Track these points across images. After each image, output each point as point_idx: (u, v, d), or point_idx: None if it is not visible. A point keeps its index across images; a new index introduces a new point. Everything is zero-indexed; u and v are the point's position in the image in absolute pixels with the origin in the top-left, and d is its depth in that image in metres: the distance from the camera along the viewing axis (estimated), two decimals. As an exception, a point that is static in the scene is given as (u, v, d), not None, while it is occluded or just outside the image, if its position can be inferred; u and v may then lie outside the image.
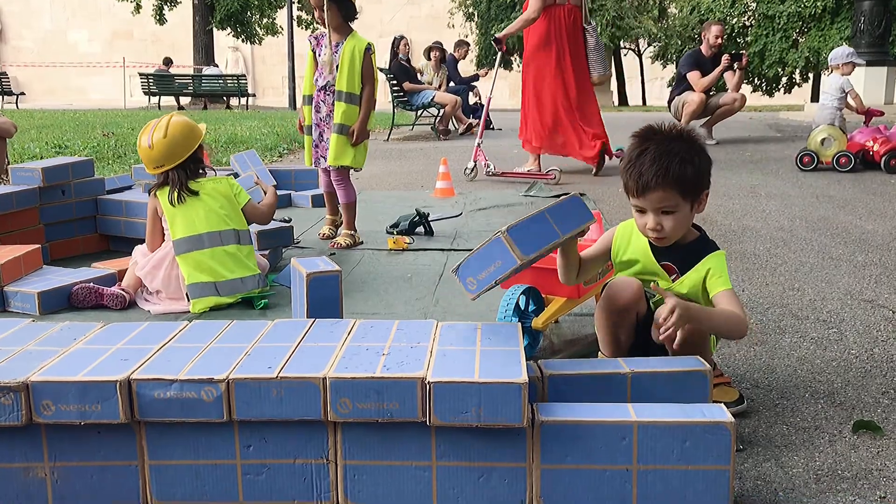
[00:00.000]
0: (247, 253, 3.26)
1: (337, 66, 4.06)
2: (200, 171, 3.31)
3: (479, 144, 7.06)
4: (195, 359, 1.72)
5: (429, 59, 12.12)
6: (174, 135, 3.19)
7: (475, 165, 6.90)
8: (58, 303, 3.13)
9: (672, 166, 1.99)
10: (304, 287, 2.05)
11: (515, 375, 1.60)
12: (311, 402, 1.62)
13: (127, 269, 3.31)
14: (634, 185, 2.02)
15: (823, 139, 7.35)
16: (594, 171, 6.95)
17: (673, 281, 2.11)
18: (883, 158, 7.06)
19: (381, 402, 1.60)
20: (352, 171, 4.23)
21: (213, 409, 1.62)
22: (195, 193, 3.20)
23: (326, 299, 2.07)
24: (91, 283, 3.17)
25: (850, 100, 7.57)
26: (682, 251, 2.11)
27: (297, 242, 4.23)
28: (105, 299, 3.13)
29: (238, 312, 3.09)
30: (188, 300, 3.11)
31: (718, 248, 2.13)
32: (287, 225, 3.99)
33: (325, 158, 4.17)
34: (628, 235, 2.20)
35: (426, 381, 1.59)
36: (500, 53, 7.14)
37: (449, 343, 1.82)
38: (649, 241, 2.14)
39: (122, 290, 3.18)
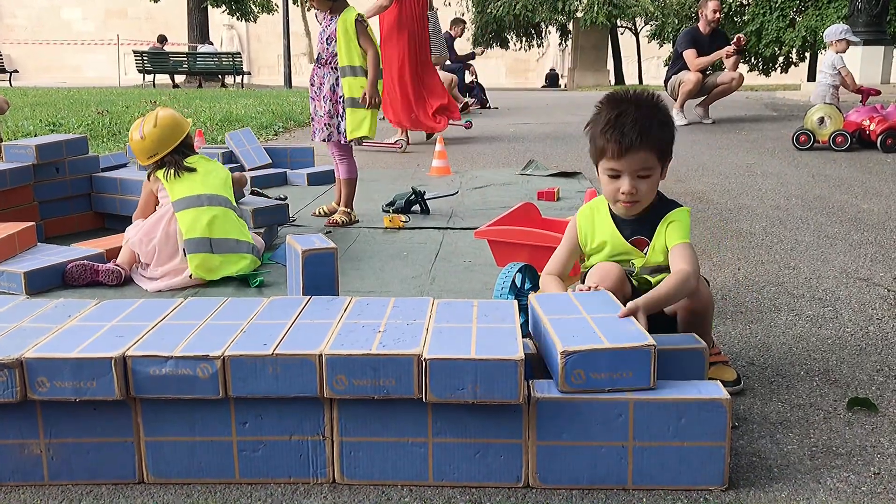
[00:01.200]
0: (241, 223, 3.35)
1: (333, 42, 4.05)
2: (188, 153, 3.43)
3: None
4: (190, 336, 1.72)
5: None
6: (164, 125, 3.35)
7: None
8: (45, 282, 3.07)
9: (654, 127, 2.01)
10: (300, 264, 2.04)
11: (511, 352, 1.60)
12: (307, 379, 1.62)
13: (118, 248, 3.31)
14: (616, 146, 2.00)
15: (820, 118, 7.33)
16: (428, 136, 7.92)
17: (646, 254, 2.12)
18: (879, 137, 7.05)
19: (377, 379, 1.60)
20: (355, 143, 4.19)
21: (209, 386, 1.62)
22: (192, 170, 3.32)
23: (322, 277, 2.07)
24: (85, 261, 3.15)
25: (844, 75, 7.56)
26: (647, 220, 2.12)
27: (293, 220, 4.22)
28: (100, 276, 3.12)
29: (234, 290, 3.09)
30: (185, 255, 3.14)
31: (681, 205, 2.14)
32: (283, 202, 3.97)
33: (322, 130, 4.17)
34: (591, 220, 2.21)
35: (422, 358, 1.59)
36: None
37: (445, 320, 1.82)
38: (614, 221, 2.15)
39: (118, 265, 3.18)
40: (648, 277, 2.14)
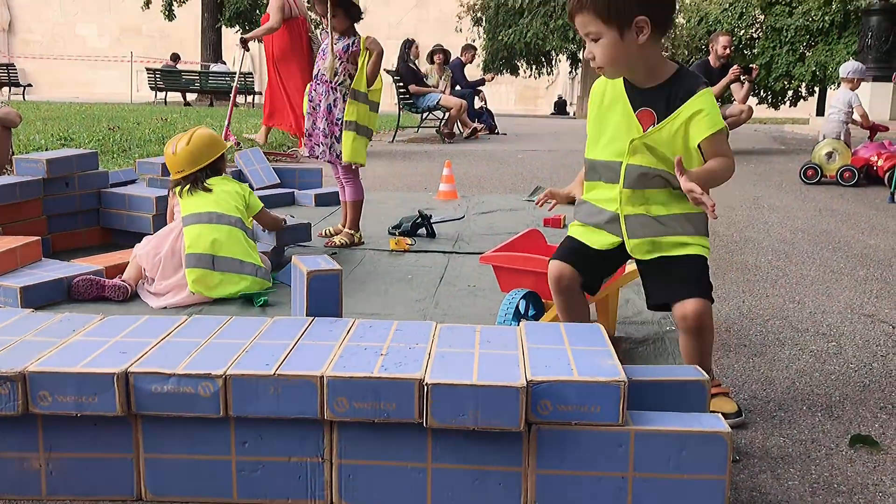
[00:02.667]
0: (251, 244, 3.37)
1: (336, 72, 4.08)
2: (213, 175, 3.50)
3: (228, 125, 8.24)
4: (193, 354, 1.72)
5: (432, 62, 12.13)
6: (196, 144, 3.43)
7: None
8: (42, 298, 3.04)
9: None
10: (305, 285, 2.05)
11: (513, 378, 1.60)
12: (308, 401, 1.62)
13: (121, 265, 3.35)
14: (568, 10, 2.02)
15: (828, 153, 7.35)
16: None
17: (648, 132, 2.01)
18: (887, 174, 7.06)
19: (378, 402, 1.60)
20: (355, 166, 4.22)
21: (210, 405, 1.62)
22: (209, 190, 3.38)
23: (326, 298, 2.07)
24: (91, 276, 3.16)
25: (856, 115, 7.57)
26: (659, 91, 2.01)
27: (306, 240, 4.23)
28: (107, 291, 3.14)
29: (237, 309, 3.09)
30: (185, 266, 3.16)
31: (701, 82, 2.01)
32: (303, 222, 3.98)
33: (318, 146, 4.18)
34: (602, 87, 2.13)
35: (424, 383, 1.59)
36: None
37: (448, 345, 1.82)
38: (626, 87, 2.05)
39: (124, 281, 3.19)
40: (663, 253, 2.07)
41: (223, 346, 1.77)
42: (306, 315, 2.05)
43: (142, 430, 1.67)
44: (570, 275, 2.12)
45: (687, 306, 2.01)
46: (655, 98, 2.01)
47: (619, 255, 2.15)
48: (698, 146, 1.99)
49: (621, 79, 2.06)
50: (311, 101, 4.20)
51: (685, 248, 2.08)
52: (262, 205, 3.61)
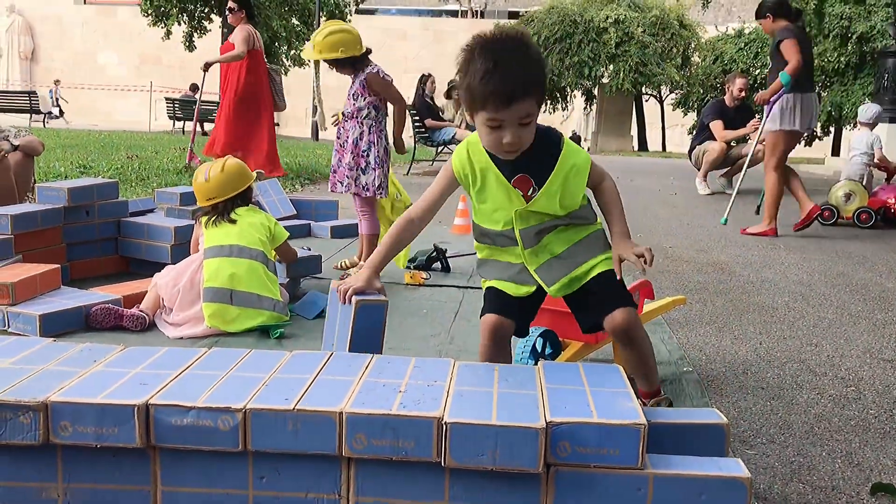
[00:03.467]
0: (271, 277, 3.35)
1: (358, 97, 4.20)
2: (242, 205, 3.50)
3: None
4: (213, 387, 1.73)
5: (449, 97, 12.24)
6: (230, 172, 3.46)
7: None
8: (60, 326, 3.07)
9: (533, 72, 1.91)
10: (352, 314, 2.04)
11: (533, 420, 1.59)
12: (327, 437, 1.61)
13: (139, 294, 3.37)
14: (499, 97, 1.86)
15: (845, 194, 7.34)
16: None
17: (530, 196, 2.04)
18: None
19: (396, 440, 1.60)
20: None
21: (229, 439, 1.62)
22: (233, 221, 3.38)
23: (371, 329, 2.06)
24: (110, 305, 3.18)
25: (877, 157, 7.58)
26: (528, 157, 2.01)
27: (317, 273, 4.25)
28: (125, 320, 3.15)
29: (254, 341, 3.10)
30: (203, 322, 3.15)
31: (556, 131, 2.07)
32: (314, 254, 4.01)
33: (340, 184, 4.24)
34: (467, 159, 2.09)
35: (443, 422, 1.59)
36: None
37: (466, 383, 1.81)
38: (493, 161, 2.04)
39: (142, 311, 3.21)
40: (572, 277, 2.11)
41: (243, 380, 1.78)
42: (349, 346, 2.05)
43: (160, 463, 1.67)
44: (506, 325, 2.13)
45: (616, 318, 2.06)
46: (524, 164, 2.03)
47: (539, 295, 2.18)
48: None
49: (484, 152, 2.06)
50: (338, 137, 4.28)
51: (595, 269, 2.12)
52: (288, 235, 3.61)
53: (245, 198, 3.50)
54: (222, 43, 10.16)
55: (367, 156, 4.18)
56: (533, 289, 2.14)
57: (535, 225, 2.09)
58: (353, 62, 4.15)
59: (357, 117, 4.19)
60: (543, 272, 2.12)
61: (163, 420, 1.62)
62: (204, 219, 3.42)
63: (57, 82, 28.22)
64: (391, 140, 4.35)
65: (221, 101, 8.35)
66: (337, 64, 4.15)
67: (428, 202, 2.21)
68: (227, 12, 8.61)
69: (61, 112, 26.10)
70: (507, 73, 1.87)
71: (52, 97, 27.61)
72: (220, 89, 8.37)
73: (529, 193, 2.06)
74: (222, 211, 3.40)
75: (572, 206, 2.11)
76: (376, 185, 4.18)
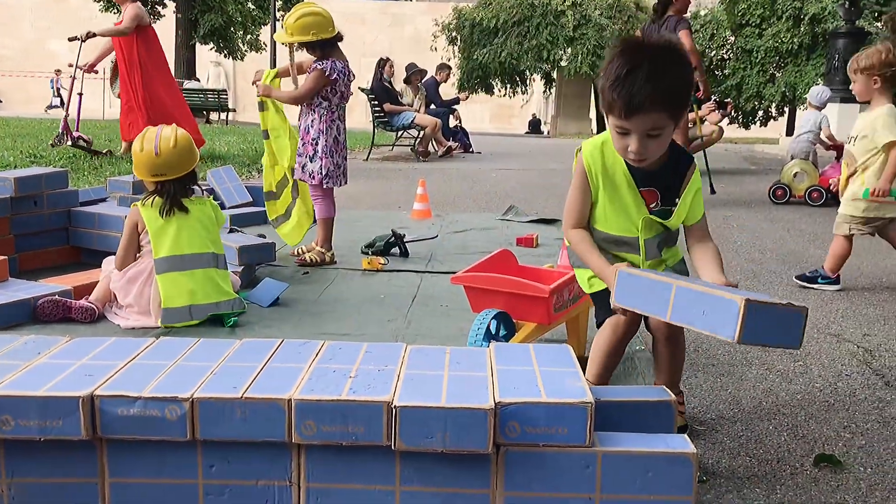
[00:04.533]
0: (223, 277, 3.23)
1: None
2: (190, 189, 3.24)
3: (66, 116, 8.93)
4: (160, 376, 1.71)
5: (408, 81, 12.20)
6: (183, 146, 3.15)
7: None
8: (8, 318, 3.00)
9: (665, 87, 1.84)
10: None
11: (482, 401, 1.61)
12: (276, 424, 1.61)
13: (90, 284, 3.27)
14: (624, 105, 1.85)
15: (796, 173, 7.47)
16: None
17: (652, 209, 2.04)
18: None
19: (346, 426, 1.60)
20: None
21: (177, 428, 1.61)
22: (185, 210, 3.14)
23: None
24: (57, 296, 3.12)
25: (823, 135, 7.72)
26: (660, 173, 2.02)
27: (271, 260, 4.22)
28: (73, 312, 3.09)
29: (207, 330, 3.07)
30: (156, 320, 3.08)
31: (691, 157, 2.09)
32: (268, 242, 3.98)
33: (300, 168, 4.24)
34: (599, 156, 2.05)
35: (392, 406, 1.59)
36: None
37: (417, 367, 1.82)
38: (628, 166, 2.02)
39: (91, 303, 3.15)
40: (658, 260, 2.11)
41: (191, 369, 1.76)
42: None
43: (107, 455, 1.65)
44: (635, 322, 2.15)
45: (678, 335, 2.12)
46: (656, 177, 2.04)
47: None
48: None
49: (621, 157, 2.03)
50: (298, 118, 4.28)
51: None
52: (226, 218, 3.41)
53: (193, 177, 3.22)
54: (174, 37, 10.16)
55: (316, 144, 4.15)
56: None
57: (656, 236, 2.08)
58: (323, 45, 4.11)
59: (310, 103, 4.17)
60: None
61: (109, 411, 1.60)
62: (146, 209, 3.09)
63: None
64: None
65: (129, 86, 8.27)
66: (308, 47, 4.10)
67: (576, 211, 2.11)
68: None
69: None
70: (636, 83, 1.83)
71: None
72: (124, 75, 8.30)
73: (652, 206, 2.05)
74: (174, 194, 3.11)
75: (689, 221, 2.11)
76: (323, 173, 4.16)
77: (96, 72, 8.69)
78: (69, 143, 8.79)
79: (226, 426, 1.61)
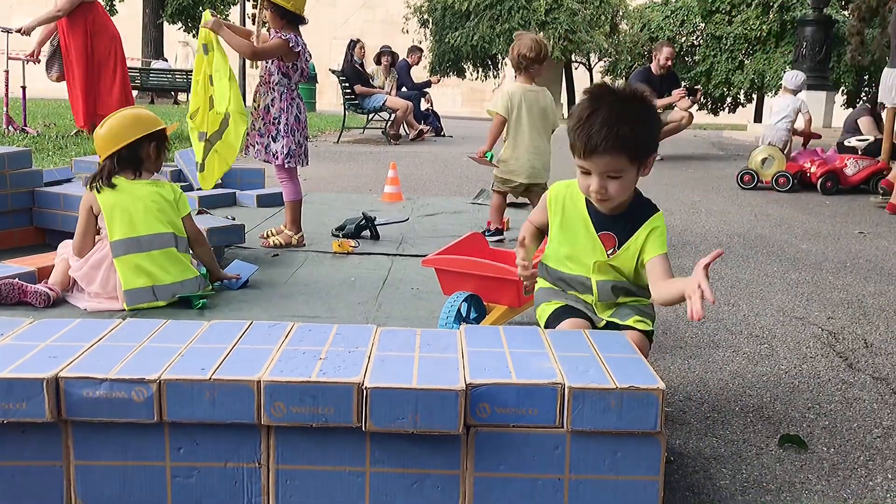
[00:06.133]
0: (185, 256, 3.19)
1: (270, 70, 4.12)
2: (138, 167, 3.17)
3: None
4: (127, 357, 1.69)
5: (378, 63, 12.12)
6: (111, 125, 3.15)
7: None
8: None
9: (622, 130, 1.90)
10: None
11: (453, 382, 1.61)
12: (245, 406, 1.60)
13: (54, 266, 3.21)
14: (582, 146, 1.93)
15: (764, 159, 7.55)
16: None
17: (610, 254, 2.06)
18: (819, 180, 7.29)
19: (315, 407, 1.59)
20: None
21: (144, 410, 1.59)
22: (112, 186, 3.08)
23: None
24: (15, 279, 3.05)
25: (801, 121, 7.81)
26: (620, 219, 2.06)
27: (240, 242, 4.18)
28: (28, 296, 3.01)
29: (175, 312, 3.04)
30: (122, 304, 3.04)
31: (657, 208, 2.09)
32: (237, 223, 3.94)
33: (252, 148, 4.20)
34: (562, 199, 2.13)
35: (363, 387, 1.58)
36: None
37: (387, 349, 1.82)
38: (588, 209, 2.08)
39: (48, 287, 3.08)
40: (616, 321, 2.08)
41: (158, 350, 1.74)
42: None
43: (72, 437, 1.63)
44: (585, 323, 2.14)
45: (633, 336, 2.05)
46: (616, 223, 2.06)
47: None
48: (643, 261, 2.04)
49: (583, 198, 2.08)
50: (254, 100, 4.20)
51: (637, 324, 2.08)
52: (190, 210, 3.26)
53: (135, 156, 3.12)
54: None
55: (278, 123, 4.11)
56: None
57: (611, 280, 2.08)
58: (291, 20, 4.05)
59: (269, 83, 4.12)
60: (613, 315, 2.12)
61: (74, 393, 1.58)
62: (93, 183, 3.07)
63: None
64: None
65: (77, 70, 8.11)
66: (277, 13, 4.01)
67: (527, 230, 2.31)
68: None
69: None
70: (594, 126, 1.90)
71: None
72: (72, 55, 8.10)
73: (609, 252, 2.06)
74: (101, 171, 3.07)
75: (636, 275, 2.08)
76: (285, 152, 4.12)
77: (38, 61, 8.36)
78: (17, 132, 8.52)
79: (194, 408, 1.60)
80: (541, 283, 2.25)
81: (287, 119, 4.11)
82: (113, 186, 3.08)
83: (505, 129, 4.71)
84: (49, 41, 8.33)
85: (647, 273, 2.02)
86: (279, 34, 4.03)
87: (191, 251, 3.27)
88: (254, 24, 4.19)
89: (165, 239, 3.11)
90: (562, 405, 1.62)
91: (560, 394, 1.61)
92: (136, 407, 1.59)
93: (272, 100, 4.11)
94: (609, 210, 2.06)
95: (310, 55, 4.21)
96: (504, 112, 4.65)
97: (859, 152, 7.63)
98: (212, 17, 3.98)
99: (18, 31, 8.13)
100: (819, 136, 8.40)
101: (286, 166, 4.16)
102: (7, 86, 8.65)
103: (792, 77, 8.03)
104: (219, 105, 4.01)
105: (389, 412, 1.58)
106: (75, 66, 8.11)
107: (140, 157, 3.17)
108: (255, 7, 4.15)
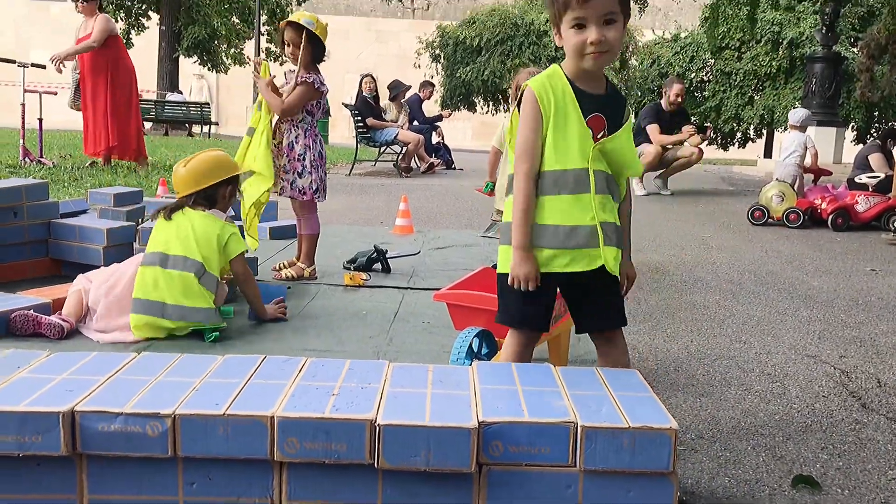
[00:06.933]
0: (204, 292, 3.16)
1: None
2: (211, 207, 3.34)
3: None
4: (142, 392, 1.70)
5: (394, 99, 12.25)
6: (194, 167, 3.31)
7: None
8: None
9: None
10: None
11: (465, 420, 1.61)
12: (258, 441, 1.60)
13: (67, 297, 3.24)
14: None
15: (774, 195, 7.56)
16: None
17: (599, 138, 2.00)
18: (830, 216, 7.29)
19: (328, 443, 1.60)
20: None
21: (158, 444, 1.60)
22: (168, 219, 3.24)
23: None
24: (30, 311, 3.08)
25: (808, 156, 7.84)
26: (606, 98, 2.03)
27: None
28: (43, 328, 3.03)
29: (187, 344, 3.05)
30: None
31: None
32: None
33: (278, 183, 4.21)
34: (549, 89, 2.00)
35: (375, 423, 1.59)
36: None
37: (400, 385, 1.82)
38: (574, 91, 1.99)
39: (62, 319, 3.10)
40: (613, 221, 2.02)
41: (172, 385, 1.76)
42: None
43: (87, 471, 1.63)
44: (536, 337, 2.15)
45: (617, 337, 2.12)
46: (602, 103, 2.03)
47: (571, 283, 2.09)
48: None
49: (568, 83, 2.01)
50: (274, 137, 4.22)
51: (614, 269, 2.03)
52: (243, 250, 3.31)
53: (210, 196, 3.30)
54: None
55: (303, 159, 4.15)
56: (597, 265, 2.00)
57: (604, 171, 2.01)
58: (317, 49, 4.12)
59: (292, 120, 4.17)
60: (606, 231, 1.99)
61: (89, 427, 1.59)
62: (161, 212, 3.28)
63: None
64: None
65: (100, 98, 8.41)
66: (312, 50, 4.09)
67: (532, 149, 2.02)
68: (77, 3, 8.54)
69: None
70: None
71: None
72: (90, 85, 8.47)
73: (599, 136, 2.01)
74: (175, 205, 3.26)
75: (630, 166, 2.07)
76: (313, 188, 4.16)
77: (60, 71, 8.60)
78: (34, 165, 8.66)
79: (207, 443, 1.61)
80: (538, 216, 2.03)
81: (312, 155, 4.17)
82: (168, 219, 3.24)
83: (501, 160, 4.83)
84: (72, 69, 8.70)
85: None
86: (303, 77, 4.08)
87: (237, 288, 3.45)
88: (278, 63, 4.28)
89: (189, 265, 3.14)
90: (574, 444, 1.62)
91: (573, 432, 1.61)
92: (150, 441, 1.60)
93: (296, 136, 4.15)
94: (594, 86, 2.01)
95: (327, 90, 4.27)
96: (498, 144, 4.88)
97: (870, 189, 7.64)
98: (260, 80, 4.15)
99: (52, 61, 8.42)
100: (830, 173, 8.42)
101: (315, 201, 4.21)
102: (24, 118, 8.81)
103: (793, 114, 8.09)
104: (249, 161, 4.15)
105: (402, 449, 1.59)
106: (96, 95, 8.35)
107: (216, 198, 3.34)
108: (290, 51, 4.17)
